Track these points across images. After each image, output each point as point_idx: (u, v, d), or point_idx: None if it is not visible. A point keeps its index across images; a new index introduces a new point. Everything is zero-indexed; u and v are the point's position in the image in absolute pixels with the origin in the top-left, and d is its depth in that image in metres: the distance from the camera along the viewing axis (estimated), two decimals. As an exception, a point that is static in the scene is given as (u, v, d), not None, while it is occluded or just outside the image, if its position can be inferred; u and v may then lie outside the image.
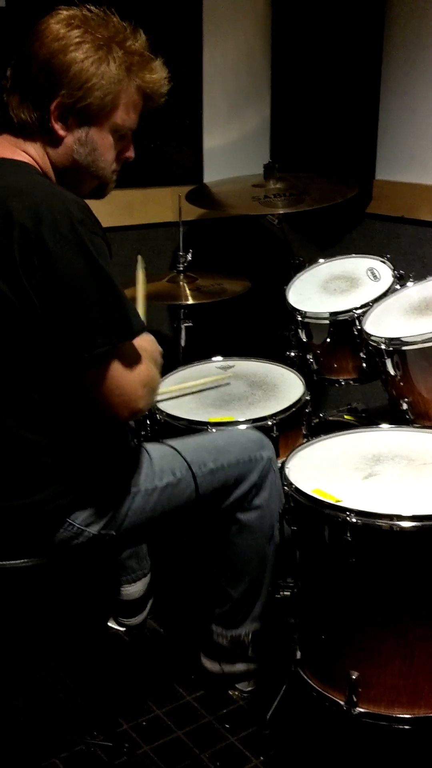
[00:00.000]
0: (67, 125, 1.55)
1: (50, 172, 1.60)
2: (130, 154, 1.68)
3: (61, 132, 1.55)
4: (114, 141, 1.61)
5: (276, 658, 1.96)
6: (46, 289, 1.43)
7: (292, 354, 2.52)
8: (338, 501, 1.59)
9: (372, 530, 1.54)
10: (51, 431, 1.56)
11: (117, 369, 1.50)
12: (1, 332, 1.48)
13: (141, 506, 1.71)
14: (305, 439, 2.16)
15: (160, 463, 1.77)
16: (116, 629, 2.31)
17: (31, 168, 1.55)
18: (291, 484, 1.68)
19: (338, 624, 1.64)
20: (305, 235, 3.19)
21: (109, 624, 2.32)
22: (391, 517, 1.53)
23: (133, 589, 2.29)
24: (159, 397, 2.21)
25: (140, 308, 1.95)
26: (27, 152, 1.57)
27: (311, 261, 2.58)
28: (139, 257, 2.08)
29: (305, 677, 1.74)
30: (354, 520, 1.54)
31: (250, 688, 2.06)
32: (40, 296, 1.44)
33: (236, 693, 2.06)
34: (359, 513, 1.54)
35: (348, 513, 1.55)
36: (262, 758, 1.85)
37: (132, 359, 1.54)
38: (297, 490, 1.65)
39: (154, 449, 1.81)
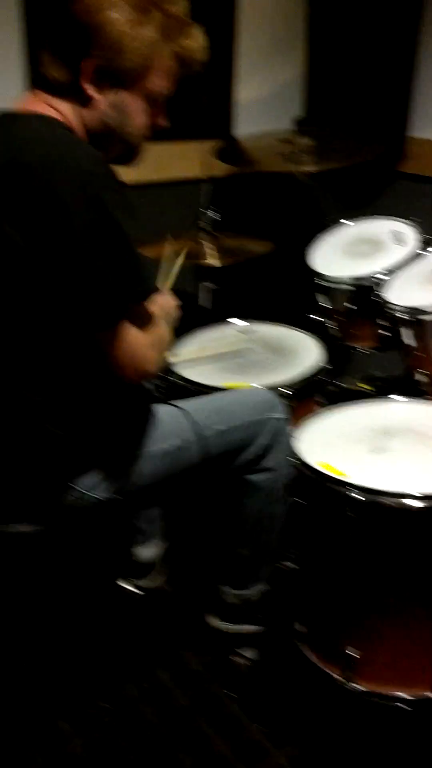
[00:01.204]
0: (99, 87, 1.50)
1: (81, 132, 1.55)
2: (163, 121, 1.62)
3: (93, 93, 1.50)
4: (147, 106, 1.56)
5: (281, 624, 1.95)
6: (58, 242, 1.39)
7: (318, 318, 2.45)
8: (343, 476, 1.55)
9: (377, 507, 1.50)
10: (55, 392, 1.53)
11: (128, 330, 1.47)
12: (13, 286, 1.45)
13: (148, 469, 1.68)
14: (320, 407, 2.12)
15: (168, 425, 1.74)
16: (129, 589, 2.31)
17: (56, 122, 1.51)
18: (297, 455, 1.64)
19: (338, 599, 1.62)
20: (336, 195, 3.10)
21: (122, 584, 2.33)
22: (398, 495, 1.49)
23: (146, 551, 2.29)
24: (177, 362, 2.18)
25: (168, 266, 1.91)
26: (57, 109, 1.53)
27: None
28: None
29: (305, 650, 1.72)
30: (358, 496, 1.50)
31: (254, 655, 2.05)
32: (52, 250, 1.40)
33: (241, 660, 2.05)
34: (364, 489, 1.50)
35: (353, 489, 1.51)
36: (259, 726, 1.84)
37: (144, 320, 1.51)
38: (302, 462, 1.61)
39: (162, 412, 1.78)
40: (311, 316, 2.46)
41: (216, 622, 2.04)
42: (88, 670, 1.89)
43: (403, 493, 1.48)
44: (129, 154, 1.61)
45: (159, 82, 1.53)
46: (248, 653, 2.05)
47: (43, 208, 1.39)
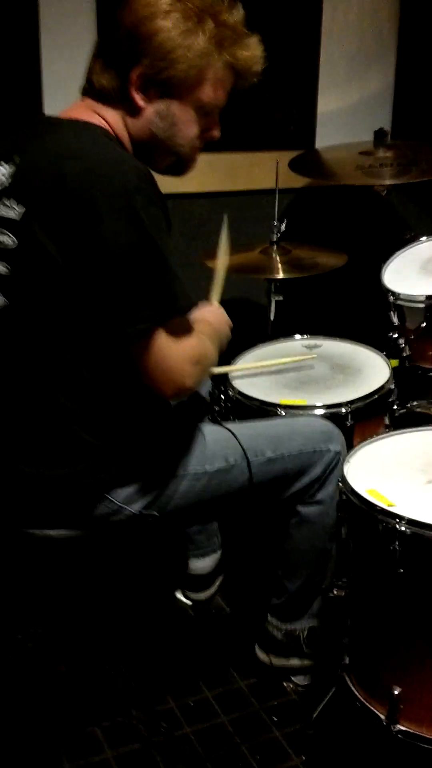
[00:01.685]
0: (148, 96, 1.49)
1: (126, 141, 1.54)
2: (216, 133, 1.59)
3: (141, 102, 1.49)
4: (197, 117, 1.53)
5: (331, 656, 1.88)
6: (92, 256, 1.38)
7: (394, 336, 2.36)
8: (391, 505, 1.48)
9: (424, 542, 1.41)
10: (94, 403, 1.52)
11: (162, 344, 1.44)
12: (47, 296, 1.44)
13: (187, 489, 1.65)
14: (386, 431, 2.03)
15: (214, 446, 1.70)
16: (183, 602, 2.29)
17: (100, 131, 1.50)
18: (346, 481, 1.57)
19: (384, 634, 1.54)
20: (417, 210, 3.00)
21: (177, 596, 2.30)
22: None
23: (201, 564, 2.25)
24: (235, 373, 2.15)
25: (218, 277, 1.88)
26: (104, 117, 1.52)
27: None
28: (225, 218, 1.95)
29: (350, 684, 1.65)
30: (404, 528, 1.42)
31: (306, 683, 1.99)
32: (86, 263, 1.39)
33: (291, 686, 1.99)
34: (411, 522, 1.42)
35: (399, 520, 1.43)
36: (303, 758, 1.78)
37: (180, 334, 1.47)
38: (350, 488, 1.54)
39: (210, 431, 1.74)
40: (386, 335, 2.38)
41: (261, 655, 1.99)
42: (129, 679, 1.86)
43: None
44: (179, 165, 1.59)
45: (211, 93, 1.50)
46: (299, 680, 2.00)
47: (80, 222, 1.37)
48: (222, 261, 1.93)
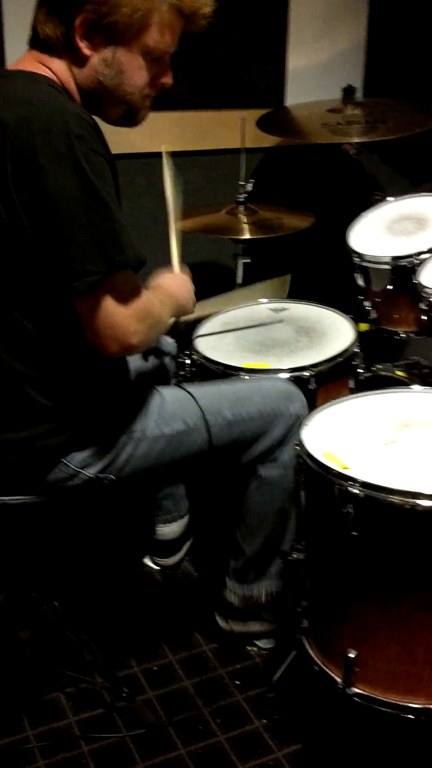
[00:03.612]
0: (93, 44, 1.44)
1: (74, 92, 1.50)
2: (167, 80, 1.54)
3: (86, 50, 1.44)
4: (146, 64, 1.48)
5: (293, 620, 1.88)
6: (35, 207, 1.35)
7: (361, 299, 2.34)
8: (345, 468, 1.46)
9: (378, 505, 1.39)
10: (44, 364, 1.49)
11: (108, 300, 1.41)
12: None
13: (145, 452, 1.63)
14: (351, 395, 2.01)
15: (172, 408, 1.68)
16: (151, 567, 2.28)
17: (44, 80, 1.45)
18: (302, 444, 1.55)
19: (339, 598, 1.53)
20: (397, 168, 2.95)
21: (145, 562, 2.30)
22: (407, 493, 1.38)
23: (169, 530, 2.25)
24: (200, 333, 2.12)
25: (173, 239, 1.84)
26: (50, 68, 1.47)
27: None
28: (164, 150, 1.87)
29: (308, 648, 1.64)
30: (357, 491, 1.40)
31: (269, 646, 1.99)
32: (29, 215, 1.36)
33: (254, 650, 1.99)
34: (365, 484, 1.40)
35: (353, 482, 1.41)
36: (264, 722, 1.78)
37: (127, 291, 1.44)
38: (306, 451, 1.52)
39: (169, 394, 1.72)
40: (354, 298, 2.35)
41: (220, 621, 1.98)
42: (92, 644, 1.85)
43: (409, 491, 1.38)
44: (130, 114, 1.54)
45: (158, 37, 1.45)
46: (262, 643, 1.99)
47: (20, 170, 1.34)
48: (174, 217, 1.86)
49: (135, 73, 1.48)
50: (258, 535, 1.85)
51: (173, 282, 1.74)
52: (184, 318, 1.86)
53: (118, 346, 1.44)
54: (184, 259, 1.86)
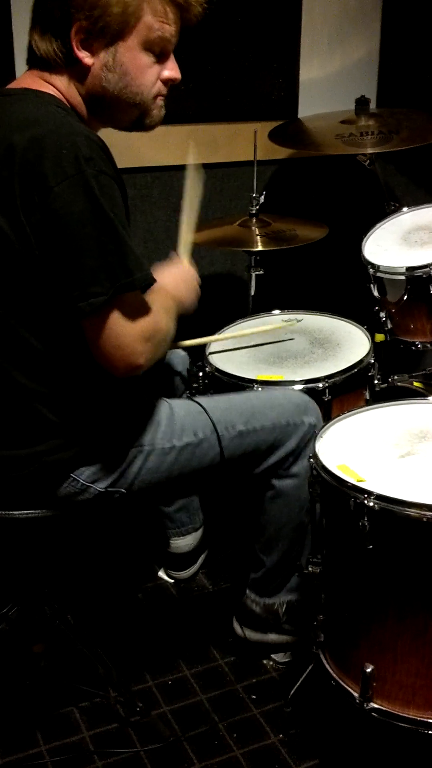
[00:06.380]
0: (92, 51, 1.44)
1: (80, 107, 1.50)
2: (173, 73, 1.52)
3: (87, 60, 1.44)
4: (149, 61, 1.48)
5: (309, 633, 1.86)
6: (43, 228, 1.35)
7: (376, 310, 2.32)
8: (361, 480, 1.44)
9: (394, 517, 1.38)
10: (52, 381, 1.49)
11: (115, 320, 1.40)
12: (2, 269, 1.41)
13: (155, 465, 1.62)
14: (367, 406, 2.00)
15: (183, 421, 1.67)
16: (165, 581, 2.27)
17: (52, 99, 1.46)
18: (317, 456, 1.54)
19: (355, 612, 1.51)
20: (412, 178, 2.93)
21: (159, 575, 2.29)
22: (423, 506, 1.36)
23: (183, 543, 2.23)
24: (213, 348, 2.11)
25: (185, 226, 1.81)
26: (53, 84, 1.48)
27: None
28: (191, 149, 1.82)
29: (325, 662, 1.63)
30: (373, 504, 1.39)
31: (286, 660, 1.97)
32: (38, 236, 1.36)
33: (270, 663, 1.97)
34: (380, 497, 1.39)
35: (368, 495, 1.40)
36: (280, 736, 1.76)
37: (134, 310, 1.43)
38: (320, 463, 1.51)
39: (179, 406, 1.71)
40: (369, 308, 2.34)
41: (238, 629, 1.96)
42: (107, 658, 1.84)
43: (426, 504, 1.36)
44: (143, 117, 1.53)
45: (154, 29, 1.44)
46: (278, 657, 1.98)
47: (30, 193, 1.34)
48: (190, 204, 1.82)
49: (139, 72, 1.47)
50: (276, 547, 1.83)
51: (175, 279, 1.70)
52: (184, 343, 1.87)
53: (125, 366, 1.44)
54: (200, 271, 1.83)
